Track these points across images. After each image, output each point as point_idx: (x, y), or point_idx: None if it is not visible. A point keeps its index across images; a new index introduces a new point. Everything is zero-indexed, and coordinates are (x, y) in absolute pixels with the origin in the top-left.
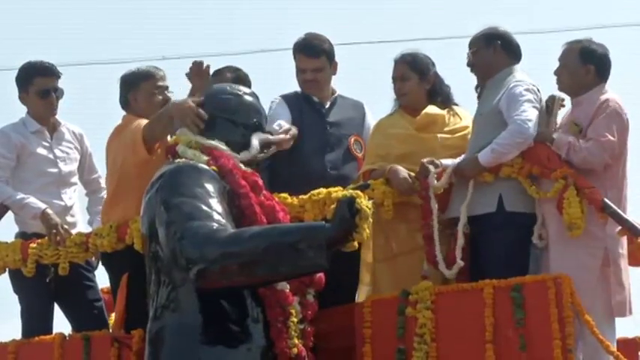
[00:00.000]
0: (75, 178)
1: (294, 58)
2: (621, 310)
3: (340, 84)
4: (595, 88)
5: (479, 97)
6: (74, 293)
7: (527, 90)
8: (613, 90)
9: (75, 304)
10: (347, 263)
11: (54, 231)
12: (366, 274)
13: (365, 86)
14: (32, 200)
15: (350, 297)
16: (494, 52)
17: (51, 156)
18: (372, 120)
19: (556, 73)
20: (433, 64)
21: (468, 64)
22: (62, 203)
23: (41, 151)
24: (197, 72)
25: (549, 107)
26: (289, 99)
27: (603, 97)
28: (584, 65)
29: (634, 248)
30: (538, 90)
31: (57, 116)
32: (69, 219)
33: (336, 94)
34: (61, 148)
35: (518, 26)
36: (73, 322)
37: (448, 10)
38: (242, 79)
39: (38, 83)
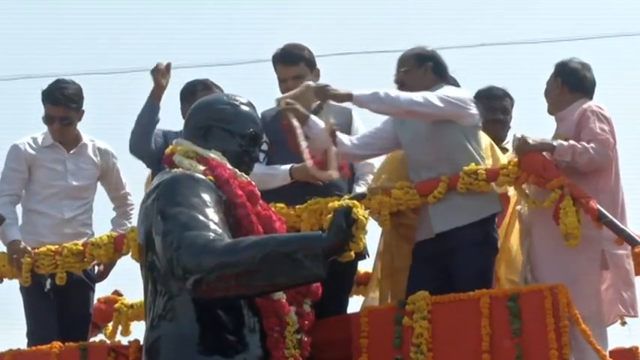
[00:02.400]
0: (88, 193)
1: (275, 69)
2: (633, 308)
3: None
4: (576, 102)
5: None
6: (73, 305)
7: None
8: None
9: (69, 315)
10: (340, 273)
11: (14, 256)
12: (375, 289)
13: None
14: (11, 229)
15: (342, 308)
16: (424, 73)
17: (61, 169)
18: (360, 126)
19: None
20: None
21: (397, 82)
22: (59, 215)
23: (51, 164)
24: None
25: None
26: (268, 115)
27: (582, 107)
28: (555, 79)
29: (633, 257)
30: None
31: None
32: (67, 230)
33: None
34: (77, 163)
35: (508, 37)
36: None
37: (437, 21)
38: (212, 88)
39: (46, 109)
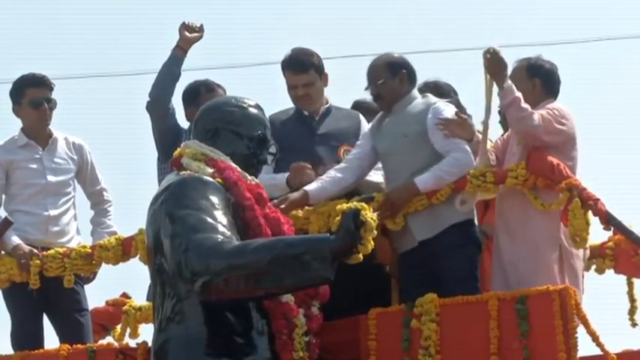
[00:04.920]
0: (69, 189)
1: (283, 75)
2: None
3: (338, 97)
4: (543, 102)
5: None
6: (60, 305)
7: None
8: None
9: (60, 315)
10: (351, 276)
11: (23, 261)
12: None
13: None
14: (10, 234)
15: (354, 310)
16: (400, 83)
17: (38, 167)
18: (368, 129)
19: None
20: (455, 92)
21: (373, 94)
22: (45, 213)
23: (28, 163)
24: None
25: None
26: (276, 120)
27: (548, 106)
28: (531, 79)
29: (639, 260)
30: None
31: (54, 127)
32: (54, 228)
33: (328, 105)
34: (54, 159)
35: (500, 40)
36: (58, 334)
37: (442, 23)
38: (215, 90)
39: (30, 94)
